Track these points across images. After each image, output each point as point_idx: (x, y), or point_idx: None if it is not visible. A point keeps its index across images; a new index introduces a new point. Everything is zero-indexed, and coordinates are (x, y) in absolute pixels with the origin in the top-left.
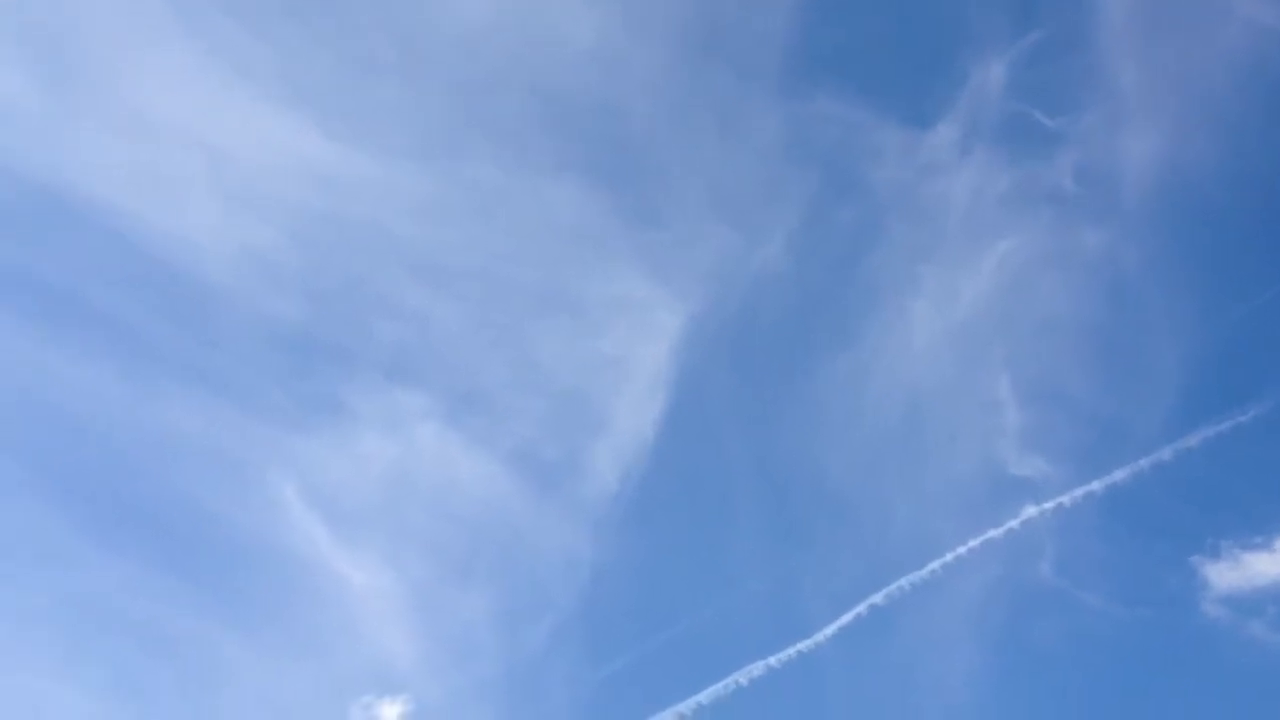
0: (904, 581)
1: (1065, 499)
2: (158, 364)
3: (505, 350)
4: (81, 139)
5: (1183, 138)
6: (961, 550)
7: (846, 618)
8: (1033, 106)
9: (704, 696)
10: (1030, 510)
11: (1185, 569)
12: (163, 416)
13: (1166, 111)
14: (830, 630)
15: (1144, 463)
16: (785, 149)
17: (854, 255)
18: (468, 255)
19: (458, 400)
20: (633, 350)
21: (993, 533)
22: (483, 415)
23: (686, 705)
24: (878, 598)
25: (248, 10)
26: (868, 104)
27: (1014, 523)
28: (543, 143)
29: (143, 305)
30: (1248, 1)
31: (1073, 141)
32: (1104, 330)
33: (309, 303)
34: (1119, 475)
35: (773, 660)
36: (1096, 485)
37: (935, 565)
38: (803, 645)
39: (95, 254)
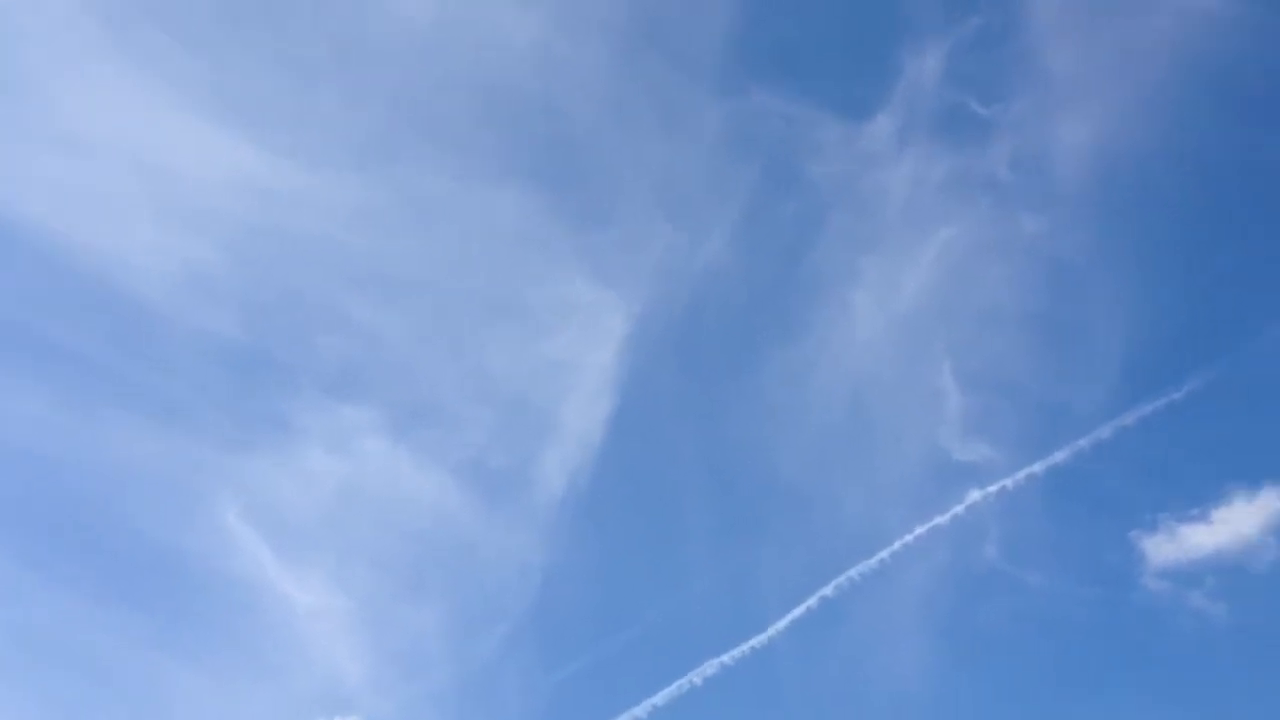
0: (853, 572)
1: (1008, 482)
2: (96, 387)
3: (452, 360)
4: (10, 158)
5: (1116, 123)
6: (909, 538)
7: (798, 611)
8: (968, 95)
9: (659, 698)
10: (975, 495)
11: (1125, 545)
12: (102, 441)
13: (1099, 97)
14: (782, 625)
15: (1084, 442)
16: (726, 145)
17: (797, 249)
18: (411, 264)
19: (405, 413)
20: (580, 353)
21: (939, 519)
22: (431, 427)
23: (642, 708)
24: (828, 590)
25: (179, 22)
26: (806, 98)
27: (959, 508)
28: (485, 146)
29: (79, 328)
30: None
31: (1007, 129)
32: (1043, 315)
33: (250, 319)
34: (1059, 456)
35: (726, 658)
36: (1038, 467)
37: (884, 554)
38: (755, 641)
39: (27, 276)
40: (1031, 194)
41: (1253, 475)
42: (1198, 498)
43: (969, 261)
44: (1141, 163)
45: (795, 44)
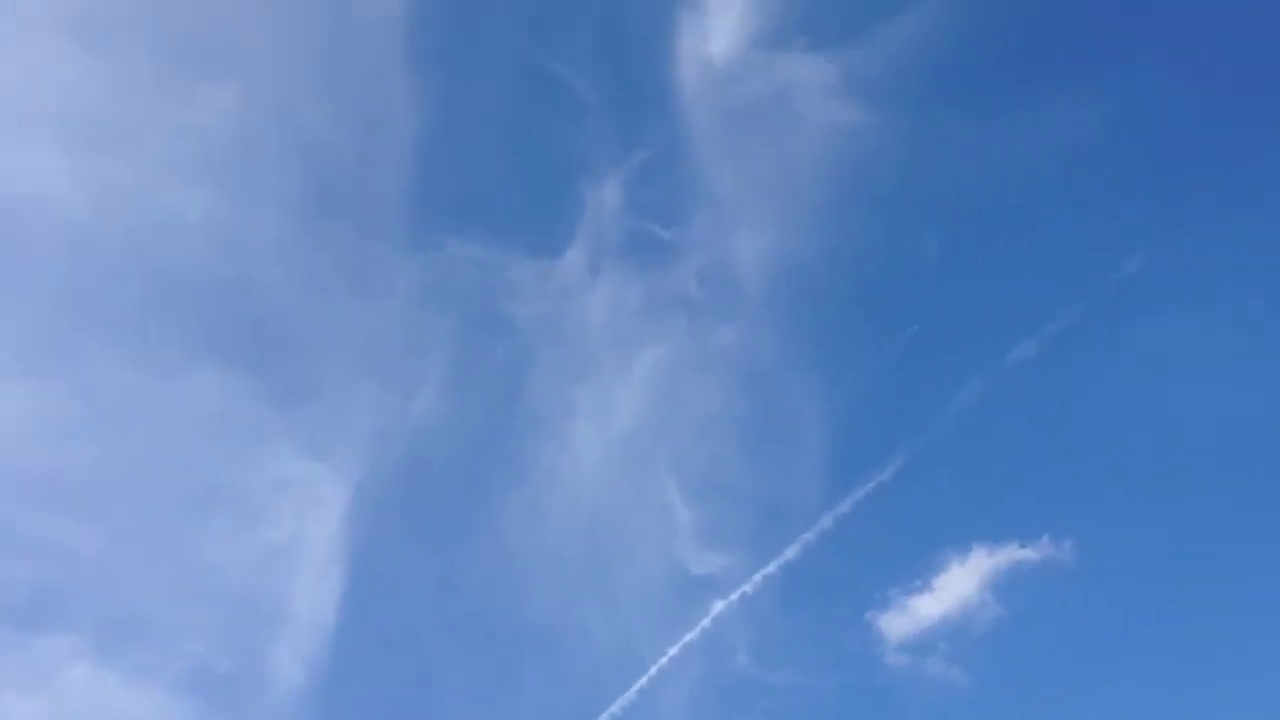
0: (615, 708)
1: (747, 587)
2: None
3: (160, 564)
4: None
5: (784, 231)
6: (663, 661)
7: None
8: (649, 221)
9: None
10: (718, 605)
11: (863, 626)
12: None
13: (766, 209)
14: None
15: (809, 535)
16: (425, 299)
17: (509, 391)
18: (100, 469)
19: (111, 632)
20: (301, 533)
21: (688, 636)
22: (142, 641)
23: None
24: None
25: None
26: (497, 243)
27: (706, 621)
28: (169, 333)
29: None
30: (821, 103)
31: (690, 249)
32: (751, 420)
33: None
34: (790, 553)
35: None
36: (772, 567)
37: (642, 682)
38: None
39: None
40: (721, 306)
41: (960, 539)
42: (919, 569)
43: (675, 378)
44: (812, 264)
45: (478, 192)
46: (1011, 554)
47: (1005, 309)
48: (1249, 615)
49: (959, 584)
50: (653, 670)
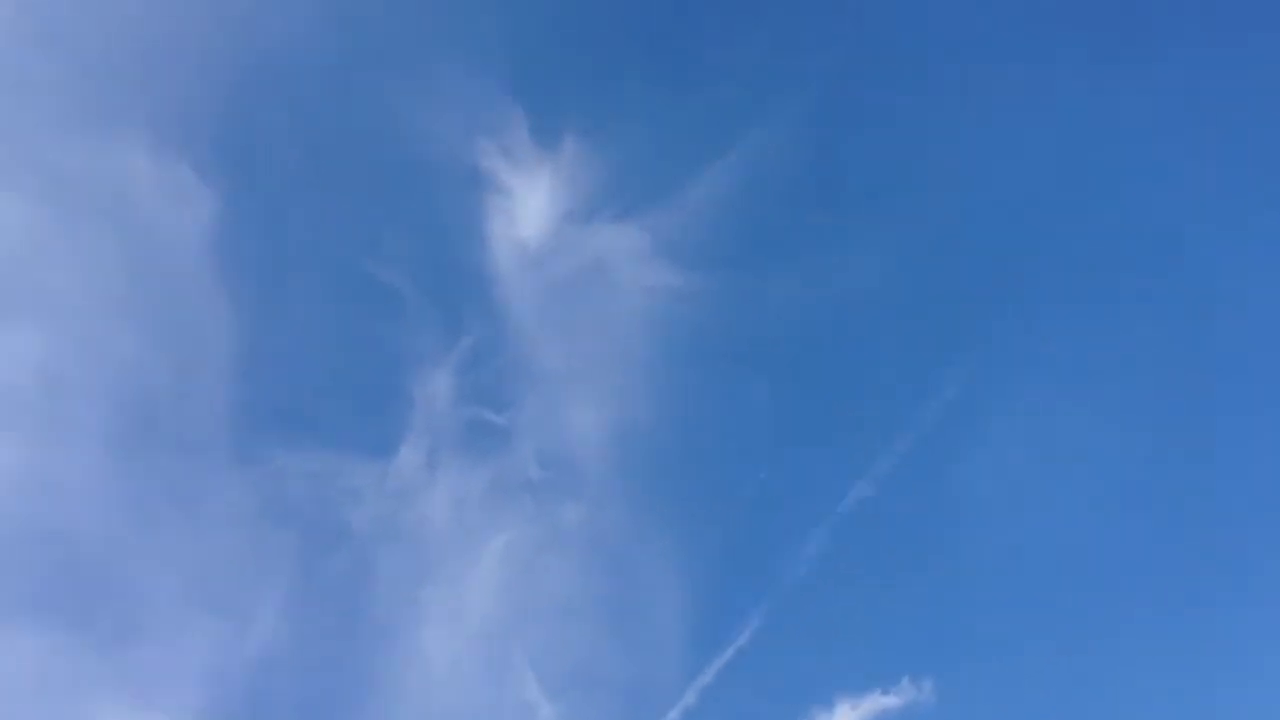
0: None
1: None
2: None
3: None
4: None
5: (616, 400)
6: None
7: None
8: (482, 408)
9: None
10: None
11: None
12: None
13: (596, 380)
14: None
15: (673, 714)
16: (256, 518)
17: (352, 605)
18: None
19: None
20: None
21: None
22: None
23: None
24: None
25: None
26: (329, 450)
27: None
28: None
29: None
30: (637, 270)
31: (526, 431)
32: (606, 600)
33: None
34: None
35: None
36: None
37: None
38: None
39: None
40: (564, 485)
41: (824, 694)
42: None
43: (525, 565)
44: (647, 431)
45: (304, 400)
46: (875, 702)
47: (839, 450)
48: None
49: None
50: None
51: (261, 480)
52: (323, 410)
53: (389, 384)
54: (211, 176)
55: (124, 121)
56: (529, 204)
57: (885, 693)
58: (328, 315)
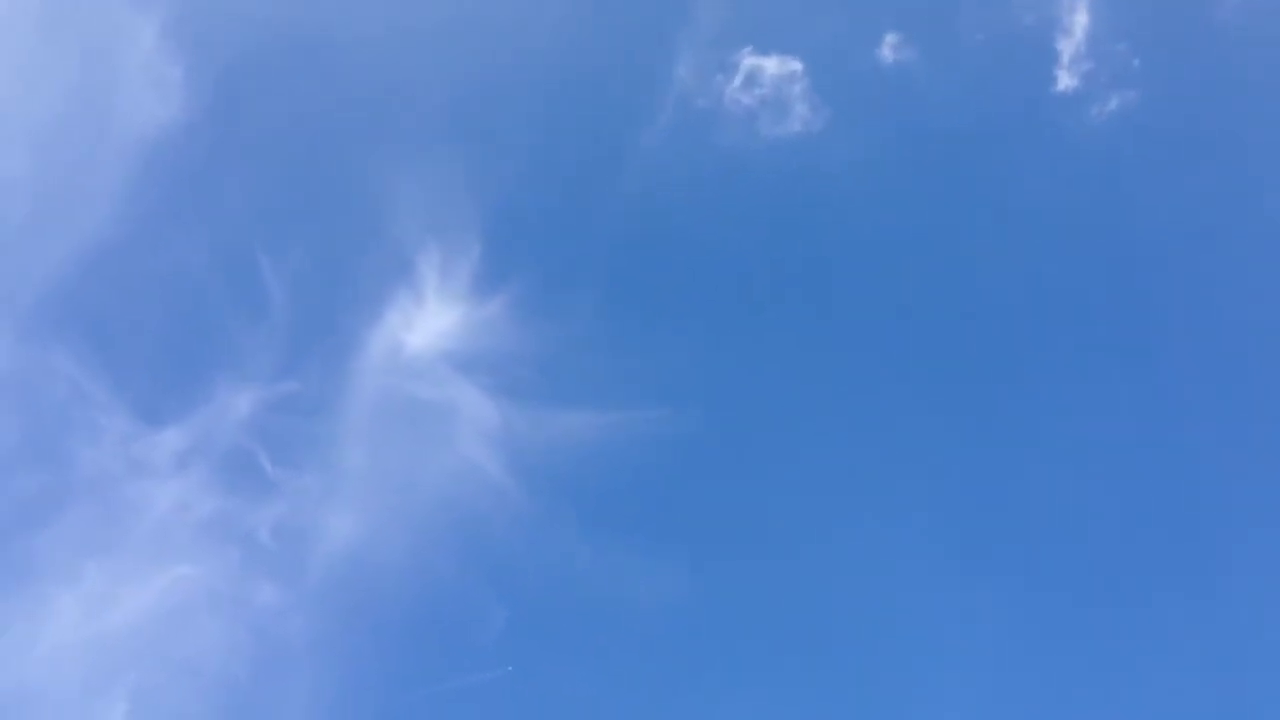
0: None
1: None
2: None
3: None
4: None
5: (378, 530)
6: None
7: None
8: (262, 448)
9: None
10: None
11: None
12: None
13: (374, 501)
14: None
15: None
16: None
17: (24, 521)
18: None
19: None
20: None
21: None
22: None
23: None
24: None
25: None
26: (106, 379)
27: None
28: None
29: None
30: (465, 441)
31: (285, 496)
32: (240, 687)
33: None
34: None
35: None
36: None
37: None
38: None
39: None
40: (282, 565)
41: None
42: None
43: (193, 606)
44: (390, 570)
45: (119, 322)
46: None
47: None
48: None
49: None
50: None
51: (29, 370)
52: (132, 341)
53: (205, 370)
54: None
55: None
56: (430, 324)
57: None
58: (205, 267)
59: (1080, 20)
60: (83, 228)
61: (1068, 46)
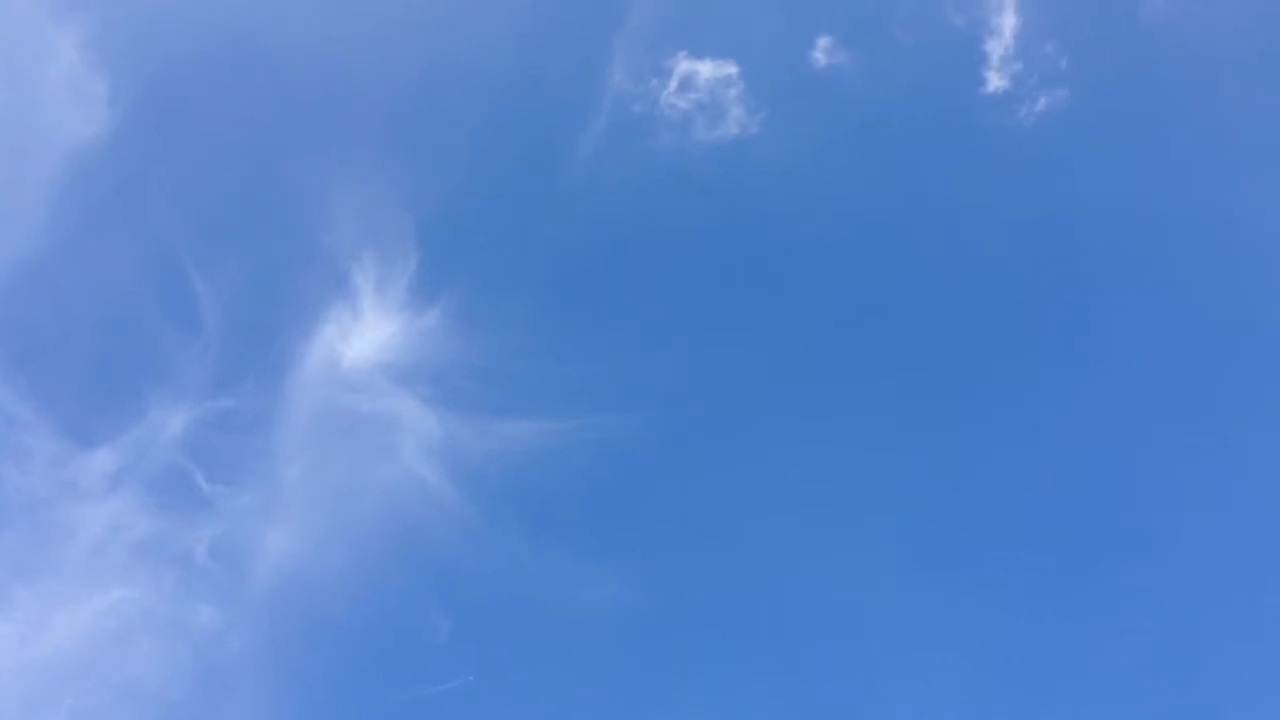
0: None
1: None
2: None
3: None
4: None
5: (318, 545)
6: None
7: None
8: (197, 466)
9: None
10: None
11: None
12: None
13: (314, 516)
14: None
15: None
16: None
17: None
18: None
19: None
20: None
21: None
22: None
23: None
24: None
25: None
26: (33, 400)
27: None
28: None
29: None
30: (406, 453)
31: (221, 514)
32: (182, 709)
33: None
34: None
35: None
36: None
37: None
38: None
39: None
40: (220, 584)
41: None
42: None
43: (130, 628)
44: (330, 594)
45: (45, 340)
46: None
47: None
48: None
49: None
50: None
51: None
52: (53, 370)
53: (135, 386)
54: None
55: None
56: (367, 337)
57: None
58: (133, 282)
59: (1008, 22)
60: (7, 244)
61: (996, 48)
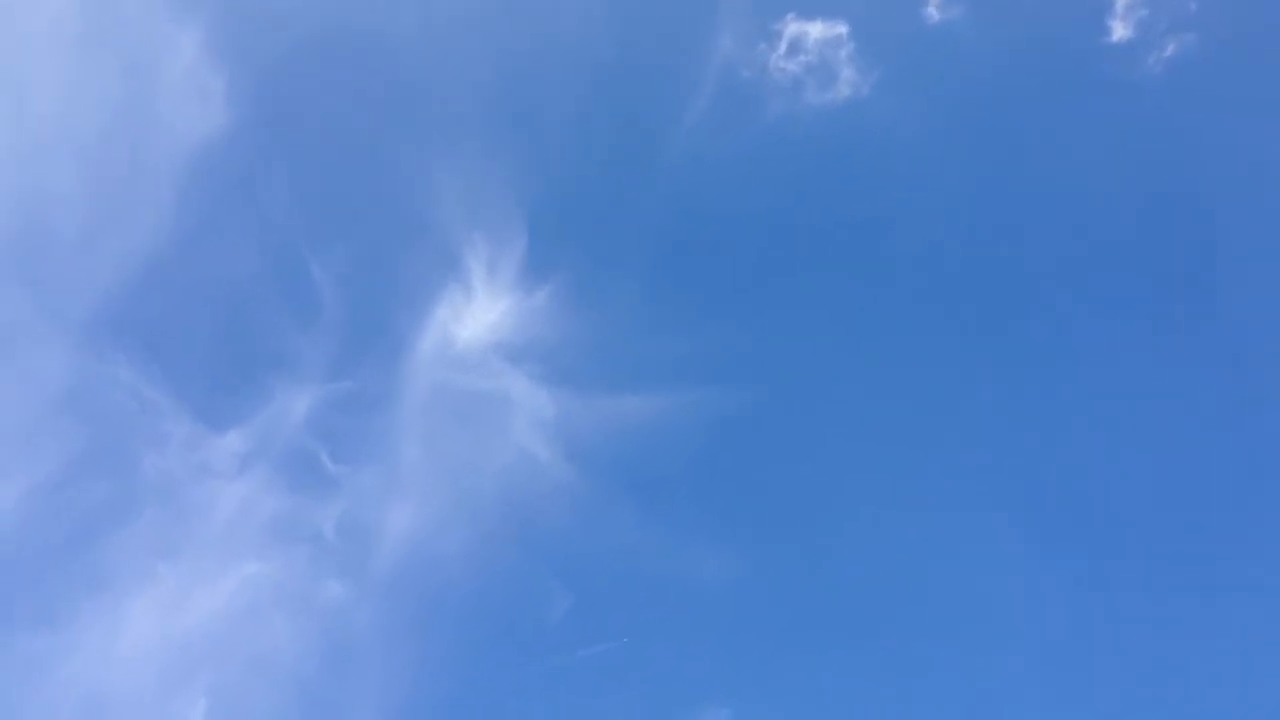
0: None
1: None
2: None
3: None
4: None
5: (438, 523)
6: None
7: None
8: (322, 446)
9: None
10: None
11: None
12: None
13: (434, 494)
14: None
15: None
16: (66, 399)
17: (97, 528)
18: None
19: None
20: None
21: None
22: None
23: None
24: None
25: None
26: (167, 386)
27: None
28: None
29: None
30: (520, 431)
31: (346, 492)
32: (313, 682)
33: None
34: None
35: None
36: None
37: None
38: None
39: None
40: (347, 560)
41: None
42: None
43: (264, 604)
44: (451, 564)
45: (175, 330)
46: None
47: None
48: None
49: None
50: None
51: (90, 371)
52: (185, 353)
53: (259, 371)
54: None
55: None
56: (479, 317)
57: None
58: (255, 271)
59: None
60: (133, 239)
61: None
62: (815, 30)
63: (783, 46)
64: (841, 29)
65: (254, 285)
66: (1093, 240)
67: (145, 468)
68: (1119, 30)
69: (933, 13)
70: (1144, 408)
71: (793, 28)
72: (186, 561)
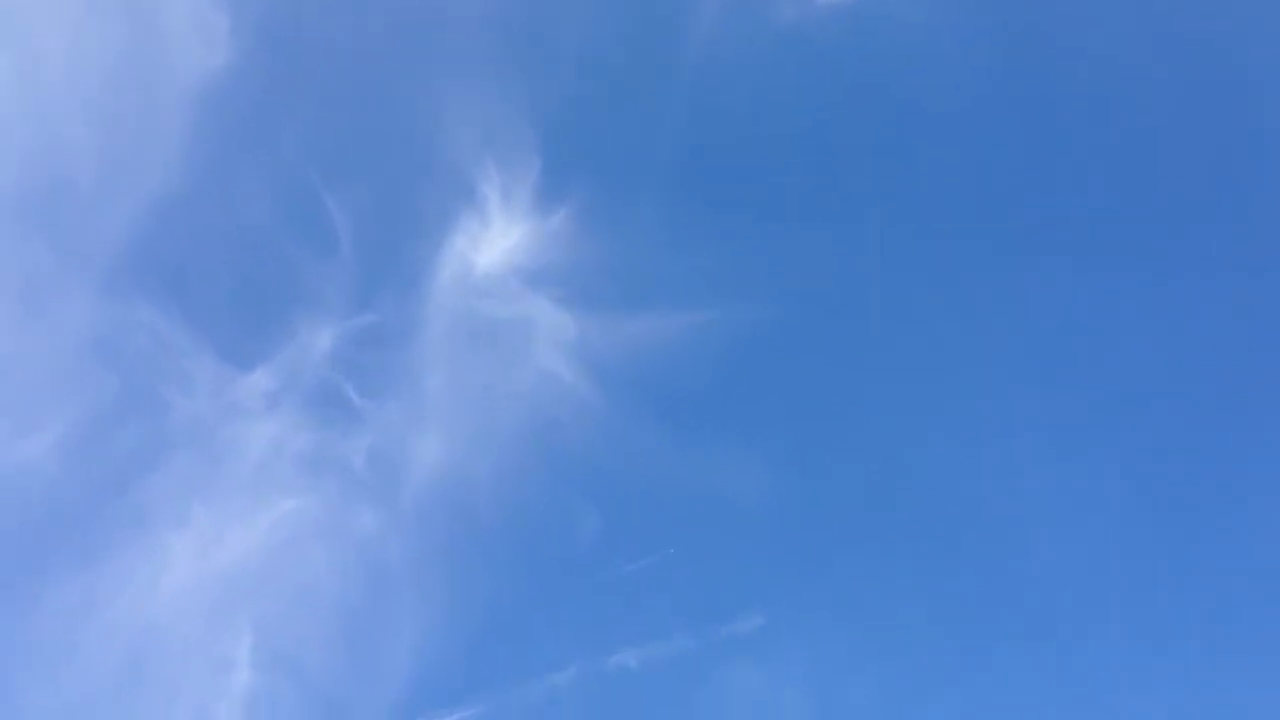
0: None
1: None
2: None
3: None
4: None
5: (466, 449)
6: None
7: None
8: (347, 381)
9: None
10: None
11: None
12: None
13: (460, 421)
14: None
15: None
16: (88, 348)
17: (130, 472)
18: None
19: None
20: None
21: None
22: None
23: None
24: None
25: None
26: (189, 327)
27: None
28: None
29: None
30: (543, 354)
31: (374, 425)
32: (354, 610)
33: None
34: None
35: None
36: None
37: None
38: None
39: None
40: (378, 491)
41: None
42: None
43: (301, 537)
44: (479, 491)
45: (193, 271)
46: None
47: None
48: None
49: None
50: None
51: (112, 317)
52: (205, 294)
53: (280, 309)
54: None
55: None
56: (496, 243)
57: None
58: (270, 209)
59: None
60: (148, 182)
61: None
62: None
63: None
64: None
65: (270, 223)
66: (1132, 140)
67: (175, 410)
68: None
69: None
70: (1181, 307)
71: None
72: (222, 501)
